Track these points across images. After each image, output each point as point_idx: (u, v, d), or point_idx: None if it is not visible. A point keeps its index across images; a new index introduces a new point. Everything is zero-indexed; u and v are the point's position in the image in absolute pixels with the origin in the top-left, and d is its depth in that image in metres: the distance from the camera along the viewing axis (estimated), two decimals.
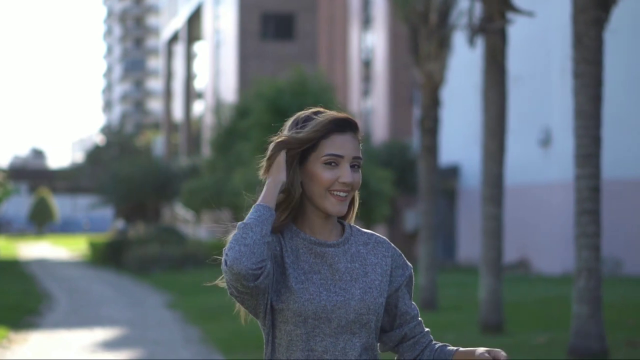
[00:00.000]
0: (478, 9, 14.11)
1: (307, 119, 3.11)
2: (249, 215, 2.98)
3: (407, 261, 3.22)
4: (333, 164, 3.06)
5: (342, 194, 3.06)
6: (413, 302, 3.24)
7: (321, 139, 3.07)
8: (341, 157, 3.06)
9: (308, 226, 3.12)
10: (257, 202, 3.02)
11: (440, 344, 3.20)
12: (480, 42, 13.99)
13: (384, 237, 3.23)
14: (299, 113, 3.17)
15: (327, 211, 3.07)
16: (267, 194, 3.03)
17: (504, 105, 13.30)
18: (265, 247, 2.92)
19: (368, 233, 3.21)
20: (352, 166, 3.07)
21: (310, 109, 3.17)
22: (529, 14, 13.30)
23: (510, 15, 13.25)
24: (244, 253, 2.90)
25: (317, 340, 3.02)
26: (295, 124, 3.12)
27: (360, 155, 3.12)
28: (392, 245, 3.22)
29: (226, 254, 2.93)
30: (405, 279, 3.18)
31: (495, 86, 13.24)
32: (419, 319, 3.21)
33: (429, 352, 3.17)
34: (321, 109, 3.15)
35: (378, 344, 3.18)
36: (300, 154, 3.09)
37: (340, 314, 3.02)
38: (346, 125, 3.09)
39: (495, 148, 13.27)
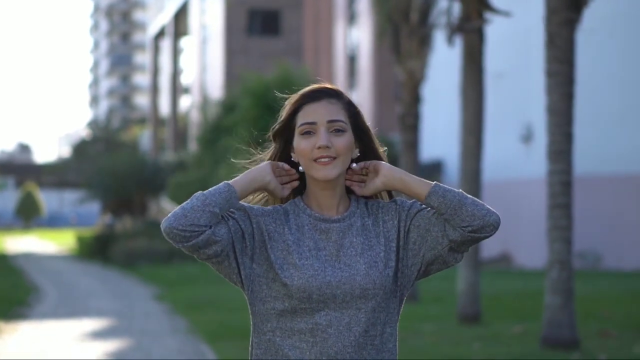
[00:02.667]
0: (456, 8, 14.50)
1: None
2: None
3: (405, 200, 3.15)
4: (311, 132, 3.04)
5: (323, 159, 3.03)
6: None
7: (296, 114, 3.08)
8: (314, 123, 3.04)
9: (315, 201, 3.10)
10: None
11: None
12: (459, 41, 14.37)
13: (390, 202, 3.15)
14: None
15: (316, 178, 3.05)
16: (241, 178, 3.07)
17: (481, 102, 13.70)
18: (206, 215, 2.93)
19: (376, 202, 3.16)
20: (336, 130, 3.05)
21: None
22: (506, 13, 13.68)
23: (487, 15, 13.64)
24: (175, 214, 2.94)
25: (321, 315, 2.98)
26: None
27: (340, 118, 3.06)
28: (399, 200, 3.15)
29: None
30: (406, 215, 3.09)
31: (474, 84, 13.63)
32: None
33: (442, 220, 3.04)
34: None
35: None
36: (288, 135, 3.12)
37: (345, 290, 2.99)
38: (319, 94, 3.08)
39: (474, 144, 13.66)
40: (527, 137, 26.87)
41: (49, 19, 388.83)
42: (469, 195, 3.01)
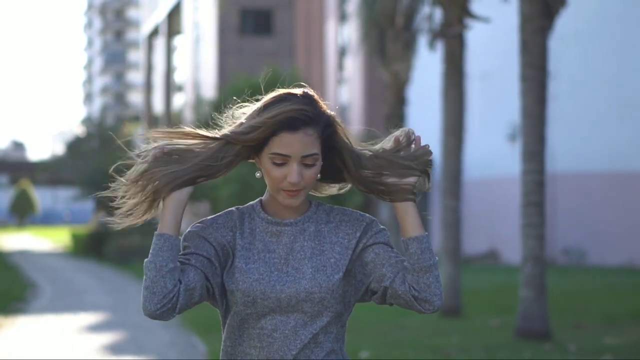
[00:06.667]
0: (438, 14, 15.05)
1: (273, 103, 2.97)
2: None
3: (376, 224, 3.06)
4: (283, 163, 2.92)
5: (292, 192, 2.95)
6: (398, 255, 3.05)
7: (271, 136, 2.92)
8: (288, 156, 2.91)
9: (273, 206, 3.04)
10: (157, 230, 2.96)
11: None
12: (441, 46, 14.92)
13: (358, 214, 3.08)
14: (266, 99, 3.02)
15: (280, 203, 3.00)
16: (163, 216, 2.96)
17: (462, 105, 14.26)
18: (167, 276, 2.89)
19: (335, 211, 3.08)
20: (307, 164, 2.93)
21: (277, 92, 3.01)
22: (486, 20, 14.22)
23: (468, 20, 14.18)
24: (146, 297, 2.90)
25: (267, 319, 2.95)
26: (257, 113, 2.99)
27: (314, 152, 2.93)
28: (365, 218, 3.07)
29: None
30: (367, 240, 3.04)
31: (454, 87, 14.19)
32: (403, 257, 3.04)
33: (406, 268, 3.01)
34: (285, 94, 2.99)
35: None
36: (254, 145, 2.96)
37: (290, 293, 2.94)
38: (296, 123, 2.92)
39: (454, 145, 14.22)
40: (513, 136, 27.42)
41: (43, 16, 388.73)
42: (438, 269, 3.00)
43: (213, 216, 3.07)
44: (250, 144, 2.95)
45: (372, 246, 3.02)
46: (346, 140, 3.01)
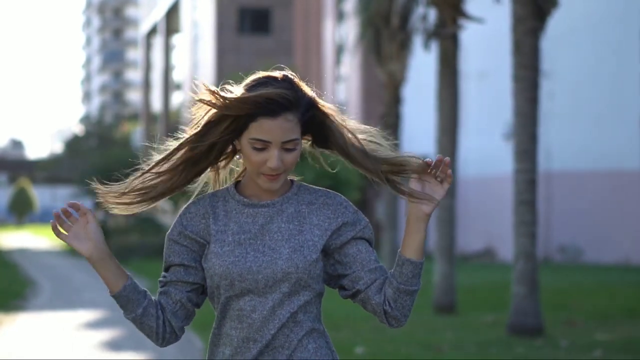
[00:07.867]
0: (433, 15, 15.23)
1: (254, 86, 2.96)
2: None
3: (361, 217, 3.04)
4: (263, 148, 2.90)
5: (272, 175, 2.93)
6: (377, 260, 3.06)
7: (250, 121, 2.90)
8: (268, 142, 2.89)
9: (252, 188, 3.03)
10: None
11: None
12: (436, 45, 15.09)
13: (342, 199, 3.04)
14: (245, 82, 3.01)
15: (260, 186, 2.98)
16: (103, 279, 3.09)
17: (456, 104, 14.43)
18: (145, 319, 3.04)
19: (320, 192, 3.05)
20: (287, 148, 2.91)
21: (256, 75, 3.00)
22: (479, 20, 14.38)
23: (461, 21, 14.35)
24: (151, 339, 3.10)
25: (245, 300, 2.95)
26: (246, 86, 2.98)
27: (294, 137, 2.91)
28: (349, 206, 3.04)
29: None
30: (355, 233, 3.02)
31: (448, 87, 14.37)
32: (381, 264, 3.05)
33: (389, 281, 3.01)
34: (265, 77, 2.98)
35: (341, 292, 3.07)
36: (235, 124, 2.94)
37: (267, 274, 2.92)
38: (276, 108, 2.89)
39: (448, 144, 14.40)
40: (509, 135, 27.60)
41: (42, 15, 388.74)
42: (417, 293, 3.04)
43: (187, 204, 3.10)
44: (230, 112, 2.92)
45: (357, 240, 3.01)
46: (331, 121, 3.02)
